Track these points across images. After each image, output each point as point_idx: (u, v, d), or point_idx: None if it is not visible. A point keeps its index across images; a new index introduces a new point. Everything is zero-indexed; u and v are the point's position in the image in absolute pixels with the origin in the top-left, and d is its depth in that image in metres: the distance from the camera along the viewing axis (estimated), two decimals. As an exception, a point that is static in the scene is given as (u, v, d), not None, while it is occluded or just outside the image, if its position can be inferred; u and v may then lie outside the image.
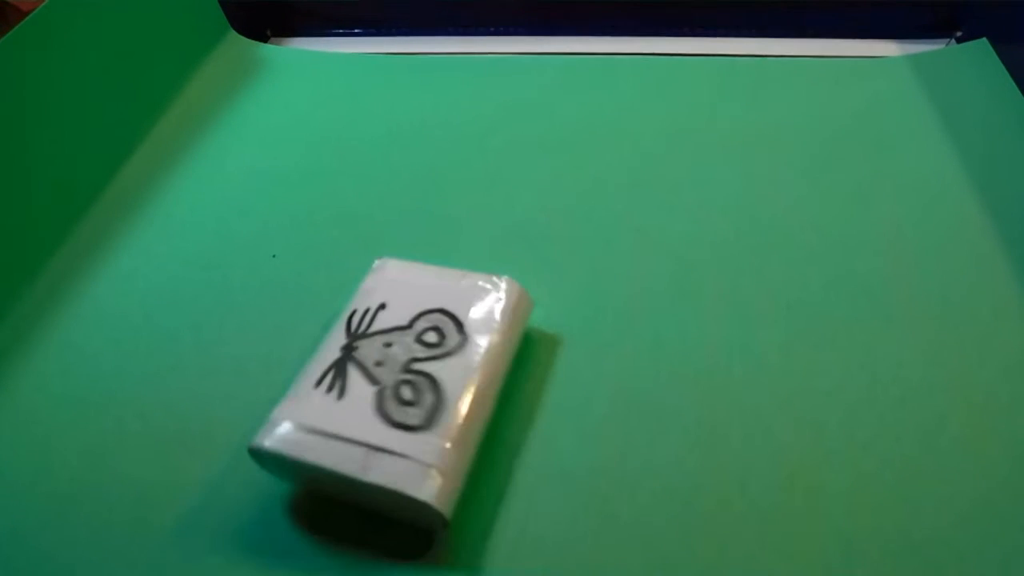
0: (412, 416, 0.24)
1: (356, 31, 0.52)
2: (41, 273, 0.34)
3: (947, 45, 0.46)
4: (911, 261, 0.32)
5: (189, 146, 0.41)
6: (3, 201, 0.34)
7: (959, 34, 0.46)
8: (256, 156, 0.40)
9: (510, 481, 0.25)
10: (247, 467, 0.25)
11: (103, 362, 0.30)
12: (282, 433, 0.23)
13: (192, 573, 0.24)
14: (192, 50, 0.47)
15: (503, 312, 0.27)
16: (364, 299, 0.28)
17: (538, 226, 0.35)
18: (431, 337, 0.26)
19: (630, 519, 0.24)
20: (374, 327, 0.27)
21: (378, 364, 0.25)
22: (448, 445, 0.23)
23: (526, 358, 0.29)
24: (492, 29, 0.51)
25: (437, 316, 0.27)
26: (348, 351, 0.26)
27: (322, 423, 0.23)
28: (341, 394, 0.24)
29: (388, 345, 0.26)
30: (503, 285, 0.28)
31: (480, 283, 0.28)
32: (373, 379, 0.25)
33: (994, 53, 0.42)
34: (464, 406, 0.24)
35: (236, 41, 0.49)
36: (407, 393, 0.24)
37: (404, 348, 0.26)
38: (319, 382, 0.25)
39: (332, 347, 0.26)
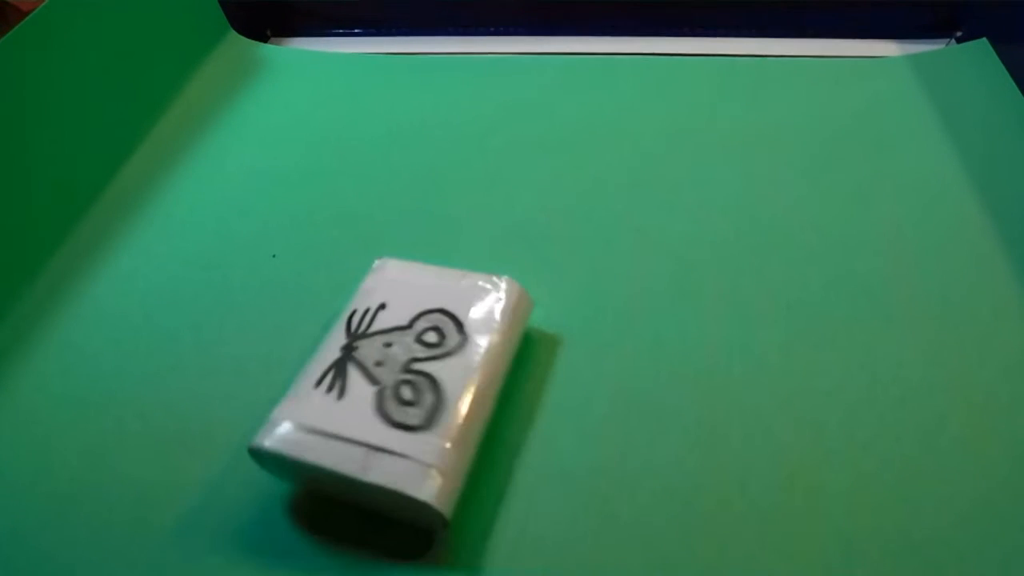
0: (412, 416, 0.24)
1: (356, 31, 0.52)
2: (41, 273, 0.34)
3: (947, 45, 0.46)
4: (911, 261, 0.32)
5: (189, 146, 0.41)
6: (3, 201, 0.34)
7: (959, 34, 0.46)
8: (256, 156, 0.40)
9: (510, 481, 0.25)
10: (247, 467, 0.25)
11: (103, 362, 0.30)
12: (282, 433, 0.23)
13: (192, 573, 0.24)
14: (192, 50, 0.47)
15: (503, 312, 0.27)
16: (364, 299, 0.28)
17: (538, 226, 0.35)
18: (431, 337, 0.26)
19: (630, 519, 0.24)
20: (374, 327, 0.27)
21: (378, 364, 0.25)
22: (448, 445, 0.23)
23: (526, 358, 0.29)
24: (492, 29, 0.51)
25: (437, 316, 0.27)
26: (348, 351, 0.26)
27: (322, 423, 0.23)
28: (341, 394, 0.24)
29: (388, 345, 0.26)
30: (503, 285, 0.28)
31: (480, 283, 0.28)
32: (373, 379, 0.25)
33: (994, 53, 0.42)
34: (464, 406, 0.24)
35: (236, 41, 0.49)
36: (407, 393, 0.24)
37: (404, 348, 0.26)
38: (319, 382, 0.25)
39: (332, 347, 0.26)
